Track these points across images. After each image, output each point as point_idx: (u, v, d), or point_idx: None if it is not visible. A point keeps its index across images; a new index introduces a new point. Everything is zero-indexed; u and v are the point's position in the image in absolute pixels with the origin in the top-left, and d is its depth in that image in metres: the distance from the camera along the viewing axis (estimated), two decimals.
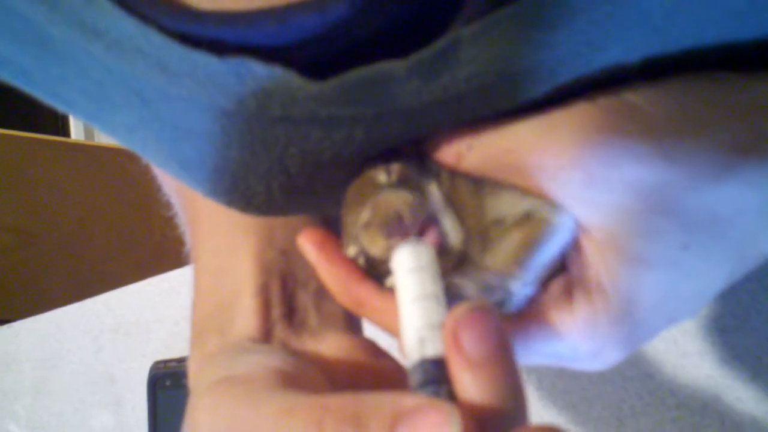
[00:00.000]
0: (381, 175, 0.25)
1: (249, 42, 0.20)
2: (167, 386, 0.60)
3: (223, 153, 0.24)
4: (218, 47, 0.21)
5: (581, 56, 0.21)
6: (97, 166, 1.17)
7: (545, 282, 0.25)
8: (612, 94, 0.22)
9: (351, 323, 0.32)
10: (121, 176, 1.15)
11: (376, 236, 0.24)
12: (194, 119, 0.23)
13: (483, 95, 0.22)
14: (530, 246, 0.24)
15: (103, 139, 1.39)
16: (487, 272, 0.24)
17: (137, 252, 1.18)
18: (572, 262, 0.25)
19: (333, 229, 0.28)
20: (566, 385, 0.52)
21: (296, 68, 0.21)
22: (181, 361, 0.61)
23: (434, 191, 0.25)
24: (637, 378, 0.50)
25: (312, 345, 0.30)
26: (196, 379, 0.28)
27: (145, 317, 0.69)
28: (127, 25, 0.21)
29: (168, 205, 0.43)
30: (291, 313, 0.31)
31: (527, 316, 0.26)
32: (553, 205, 0.24)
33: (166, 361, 0.62)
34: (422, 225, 0.24)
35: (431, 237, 0.24)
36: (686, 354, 0.49)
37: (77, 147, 1.20)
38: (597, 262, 0.24)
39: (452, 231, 0.25)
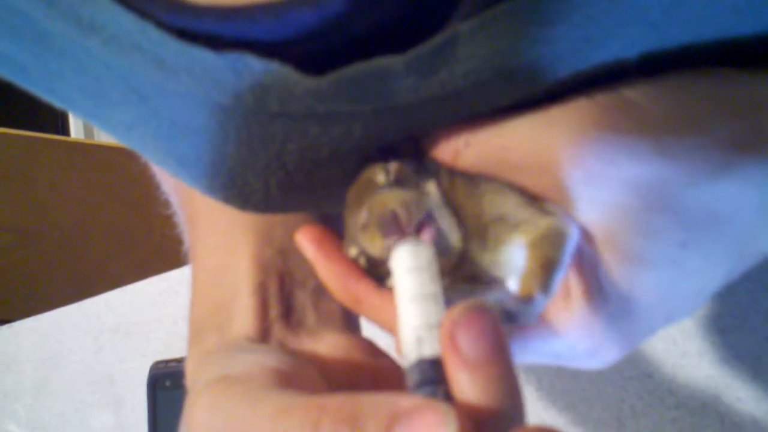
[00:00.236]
0: (380, 175, 0.25)
1: (246, 37, 0.20)
2: (167, 386, 0.60)
3: (220, 149, 0.24)
4: (215, 42, 0.21)
5: (579, 52, 0.21)
6: (97, 165, 1.17)
7: None
8: (610, 90, 0.22)
9: (349, 322, 0.32)
10: (122, 175, 1.15)
11: (374, 236, 0.24)
12: (191, 115, 0.23)
13: (481, 91, 0.22)
14: (554, 262, 0.24)
15: (103, 138, 1.39)
16: (513, 300, 0.24)
17: (137, 252, 1.18)
18: (571, 260, 0.25)
19: (331, 226, 0.28)
20: (566, 385, 0.52)
21: (294, 64, 0.21)
22: (181, 360, 0.61)
23: (433, 190, 0.25)
24: (637, 378, 0.50)
25: (310, 344, 0.30)
26: (193, 377, 0.28)
27: (145, 317, 0.69)
28: (125, 21, 0.21)
29: (167, 204, 0.43)
30: (289, 312, 0.31)
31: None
32: (562, 212, 0.23)
33: (166, 361, 0.62)
34: (420, 224, 0.24)
35: (428, 234, 0.24)
36: (686, 354, 0.49)
37: (77, 146, 1.20)
38: (595, 260, 0.24)
39: (451, 230, 0.25)
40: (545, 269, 0.24)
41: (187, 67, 0.21)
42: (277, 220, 0.33)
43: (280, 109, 0.22)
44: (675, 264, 0.23)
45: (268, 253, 0.32)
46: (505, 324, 0.24)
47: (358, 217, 0.25)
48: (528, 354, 0.26)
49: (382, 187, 0.25)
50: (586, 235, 0.24)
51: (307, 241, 0.27)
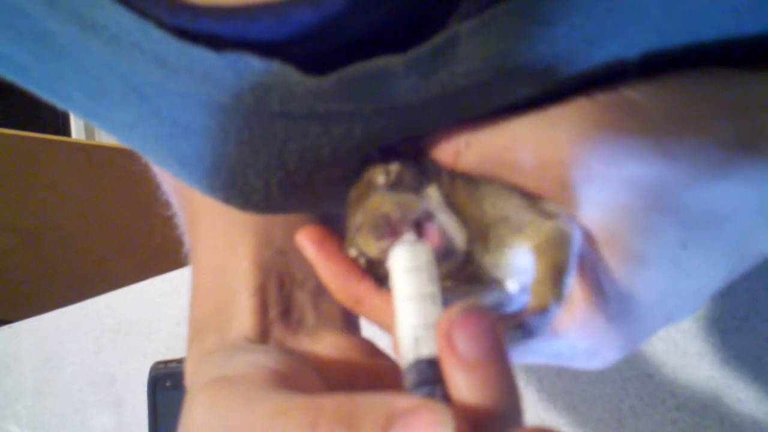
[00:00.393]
0: (379, 177, 0.25)
1: (247, 37, 0.20)
2: (168, 386, 0.60)
3: (221, 149, 0.24)
4: (216, 42, 0.21)
5: (579, 52, 0.21)
6: (97, 165, 1.17)
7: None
8: (611, 90, 0.22)
9: (349, 323, 0.32)
10: (122, 176, 1.15)
11: (369, 239, 0.24)
12: (192, 115, 0.23)
13: (481, 91, 0.22)
14: (563, 267, 0.24)
15: (104, 138, 1.39)
16: (528, 313, 0.24)
17: (138, 252, 1.18)
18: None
19: (331, 227, 0.28)
20: (566, 385, 0.52)
21: (294, 63, 0.21)
22: (181, 361, 0.61)
23: (433, 193, 0.25)
24: (637, 379, 0.50)
25: (309, 344, 0.30)
26: (193, 378, 0.28)
27: (146, 317, 0.69)
28: (126, 20, 0.21)
29: (167, 205, 0.43)
30: (288, 313, 0.31)
31: (525, 315, 0.25)
32: (566, 213, 0.23)
33: (166, 362, 0.62)
34: (423, 226, 0.24)
35: (432, 237, 0.24)
36: (686, 355, 0.49)
37: (78, 146, 1.20)
38: (595, 259, 0.24)
39: (456, 232, 0.25)
40: (556, 276, 0.24)
41: (188, 67, 0.21)
42: (277, 220, 0.33)
43: (281, 108, 0.22)
44: (675, 264, 0.23)
45: (268, 253, 0.32)
46: (523, 339, 0.23)
47: (355, 220, 0.25)
48: (529, 354, 0.26)
49: (378, 189, 0.25)
50: (587, 235, 0.24)
51: (307, 242, 0.27)
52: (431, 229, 0.24)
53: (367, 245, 0.25)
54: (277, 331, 0.30)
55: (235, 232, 0.33)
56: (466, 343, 0.20)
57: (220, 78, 0.21)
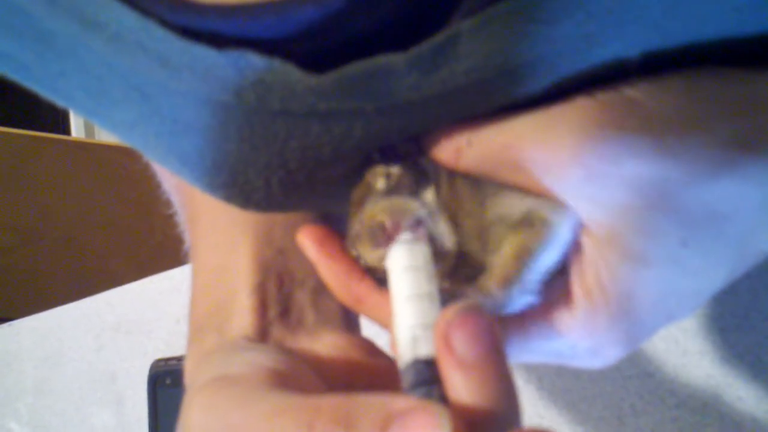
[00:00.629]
0: (379, 181, 0.25)
1: (248, 35, 0.20)
2: (168, 384, 0.60)
3: (222, 147, 0.24)
4: (218, 40, 0.21)
5: (580, 51, 0.21)
6: (97, 164, 1.17)
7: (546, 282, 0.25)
8: (612, 89, 0.22)
9: (348, 322, 0.32)
10: (123, 174, 1.15)
11: (366, 246, 0.25)
12: (193, 113, 0.23)
13: (482, 90, 0.22)
14: (531, 250, 0.24)
15: (104, 136, 1.40)
16: (488, 282, 0.24)
17: (138, 250, 1.18)
18: (571, 259, 0.25)
19: (332, 226, 0.28)
20: (566, 384, 0.52)
21: (295, 61, 0.21)
22: (182, 359, 0.61)
23: (429, 196, 0.25)
24: (638, 377, 0.50)
25: (308, 344, 0.30)
26: (192, 377, 0.28)
27: (146, 315, 0.69)
28: (128, 19, 0.21)
29: (168, 203, 0.43)
30: (288, 312, 0.31)
31: (526, 314, 0.26)
32: (554, 205, 0.23)
33: (166, 360, 0.62)
34: (413, 229, 0.24)
35: (419, 237, 0.24)
36: (686, 353, 0.49)
37: (78, 145, 1.20)
38: (596, 259, 0.24)
39: (446, 235, 0.25)
40: (521, 257, 0.24)
41: (190, 65, 0.21)
42: (277, 220, 0.33)
43: (282, 107, 0.22)
44: (676, 263, 0.23)
45: (268, 252, 0.32)
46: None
47: (354, 226, 0.25)
48: (529, 353, 0.26)
49: (377, 195, 0.25)
50: (588, 234, 0.24)
51: (308, 241, 0.27)
52: (418, 232, 0.24)
53: (365, 252, 0.25)
54: (277, 330, 0.30)
55: (235, 231, 0.33)
56: (463, 343, 0.20)
57: (221, 76, 0.21)
